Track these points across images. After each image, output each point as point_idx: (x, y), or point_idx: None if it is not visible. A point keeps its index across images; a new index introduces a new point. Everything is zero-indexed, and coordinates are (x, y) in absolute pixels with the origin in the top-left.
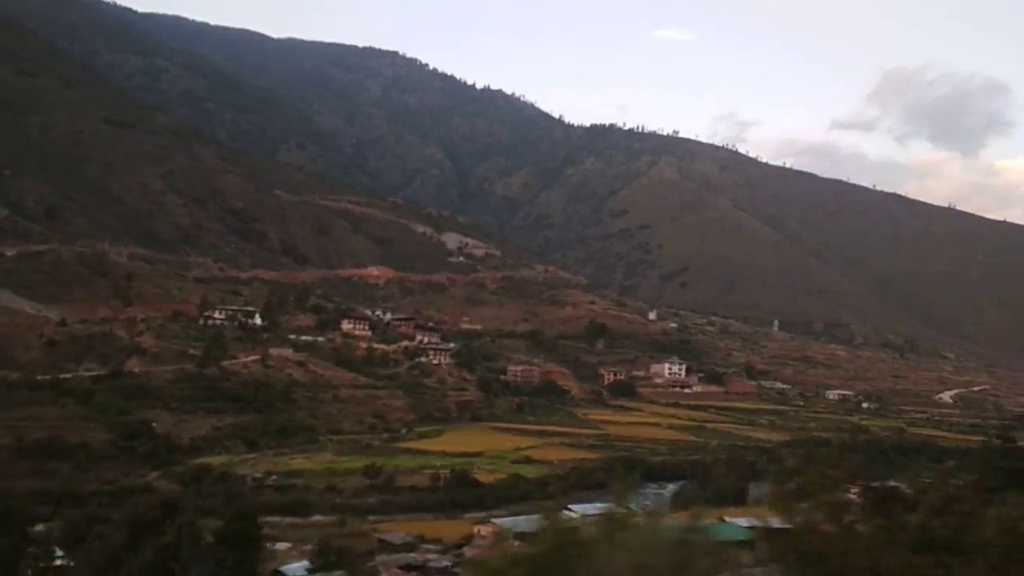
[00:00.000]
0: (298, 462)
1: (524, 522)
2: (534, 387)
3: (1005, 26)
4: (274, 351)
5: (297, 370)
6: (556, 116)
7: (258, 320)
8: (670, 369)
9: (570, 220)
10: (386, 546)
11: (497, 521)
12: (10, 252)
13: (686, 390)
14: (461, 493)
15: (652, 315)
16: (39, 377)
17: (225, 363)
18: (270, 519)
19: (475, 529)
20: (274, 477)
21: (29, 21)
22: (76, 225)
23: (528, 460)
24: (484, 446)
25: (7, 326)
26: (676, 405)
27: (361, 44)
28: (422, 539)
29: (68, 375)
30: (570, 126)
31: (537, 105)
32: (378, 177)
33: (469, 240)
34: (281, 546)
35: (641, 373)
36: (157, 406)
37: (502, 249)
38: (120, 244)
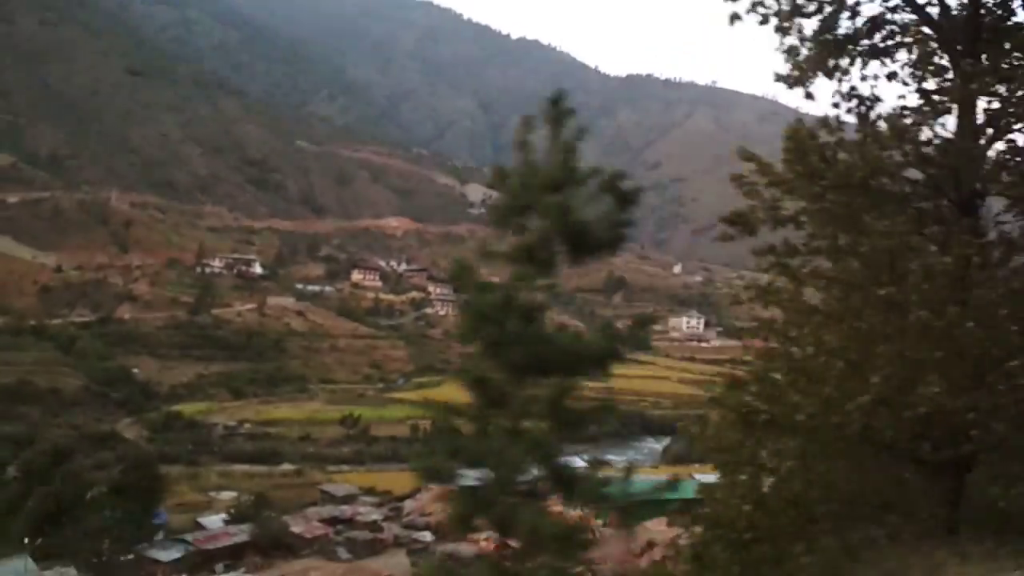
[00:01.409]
0: (282, 411)
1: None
2: None
3: None
4: (272, 300)
5: (296, 319)
6: (592, 66)
7: (258, 269)
8: (688, 323)
9: None
10: (327, 497)
11: None
12: (12, 199)
13: (703, 344)
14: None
15: (677, 269)
16: (30, 323)
17: (218, 311)
18: (235, 467)
19: (423, 484)
20: (247, 425)
21: None
22: (90, 173)
23: None
24: None
25: (3, 272)
26: (691, 359)
27: None
28: (371, 491)
29: (58, 320)
30: (606, 76)
31: (572, 55)
32: (410, 129)
33: (493, 192)
34: (226, 495)
35: (659, 327)
36: (143, 353)
37: None
38: (133, 192)
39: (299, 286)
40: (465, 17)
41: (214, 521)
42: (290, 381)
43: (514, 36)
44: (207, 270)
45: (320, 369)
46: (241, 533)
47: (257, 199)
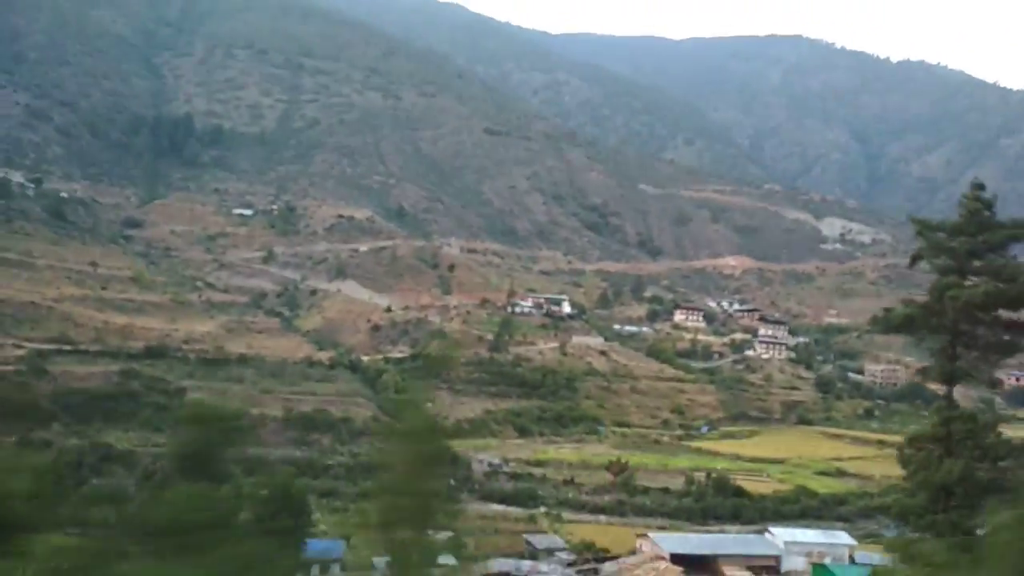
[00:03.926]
0: (562, 452)
1: (678, 541)
2: (896, 390)
3: None
4: (577, 339)
5: (598, 359)
6: (991, 82)
7: (567, 308)
8: None
9: (1006, 199)
10: (529, 549)
11: (653, 536)
12: (363, 248)
13: None
14: (716, 502)
15: None
16: (349, 357)
17: (520, 349)
18: (489, 507)
19: (637, 543)
20: (511, 464)
21: (446, 48)
22: (443, 224)
23: (840, 473)
24: (792, 452)
25: (343, 312)
26: None
27: (763, 33)
28: (587, 546)
29: (378, 356)
30: (1008, 91)
31: (966, 72)
32: (773, 167)
33: (853, 226)
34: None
35: None
36: (442, 387)
37: (895, 235)
38: (477, 240)
39: (616, 327)
40: (838, 46)
41: (378, 562)
42: (580, 421)
43: (894, 60)
44: (516, 310)
45: (616, 411)
46: None
47: (592, 243)
